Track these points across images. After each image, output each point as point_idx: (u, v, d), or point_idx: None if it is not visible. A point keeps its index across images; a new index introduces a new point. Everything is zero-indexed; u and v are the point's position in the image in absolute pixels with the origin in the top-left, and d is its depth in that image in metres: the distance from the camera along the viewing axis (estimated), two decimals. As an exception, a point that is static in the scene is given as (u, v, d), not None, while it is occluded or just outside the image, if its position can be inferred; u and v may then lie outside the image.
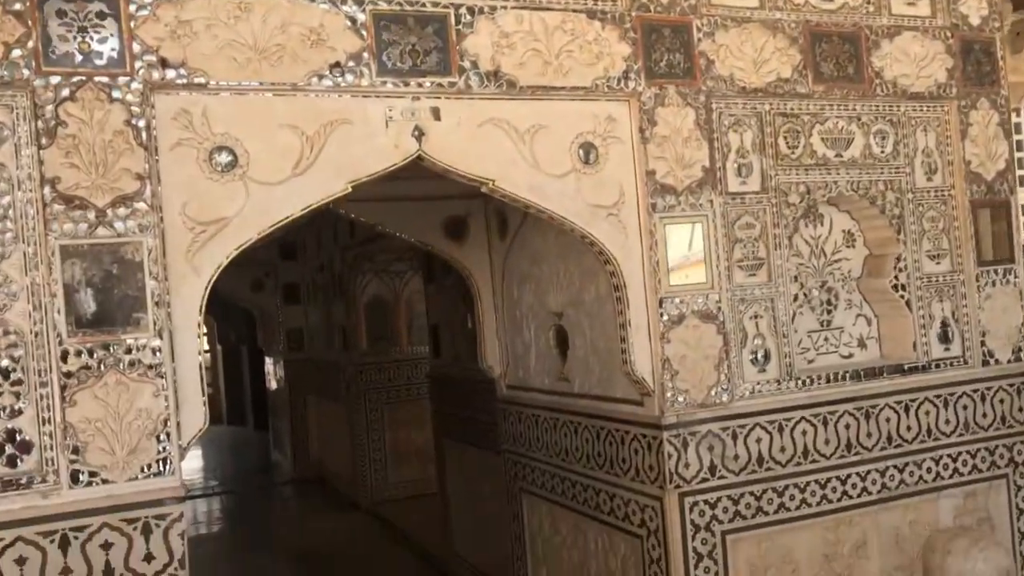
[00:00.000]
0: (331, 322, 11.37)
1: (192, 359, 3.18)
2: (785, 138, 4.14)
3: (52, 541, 2.93)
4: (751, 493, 3.96)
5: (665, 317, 3.85)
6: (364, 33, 3.38)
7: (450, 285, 7.19)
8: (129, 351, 3.03)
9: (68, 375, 2.96)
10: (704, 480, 3.87)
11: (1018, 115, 8.68)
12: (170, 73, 3.11)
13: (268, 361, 14.17)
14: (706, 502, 3.87)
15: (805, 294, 4.26)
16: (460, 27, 3.53)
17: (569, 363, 4.55)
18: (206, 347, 22.00)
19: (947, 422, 4.33)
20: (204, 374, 3.21)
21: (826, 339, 4.33)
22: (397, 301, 10.83)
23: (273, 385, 13.99)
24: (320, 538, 9.32)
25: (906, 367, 4.30)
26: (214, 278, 3.25)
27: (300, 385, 12.70)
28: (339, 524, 9.87)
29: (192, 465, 15.01)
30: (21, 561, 2.87)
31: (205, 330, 21.65)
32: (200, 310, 3.21)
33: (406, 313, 10.85)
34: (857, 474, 4.14)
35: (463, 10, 3.53)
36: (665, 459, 3.81)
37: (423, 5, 3.47)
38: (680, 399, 3.86)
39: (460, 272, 5.34)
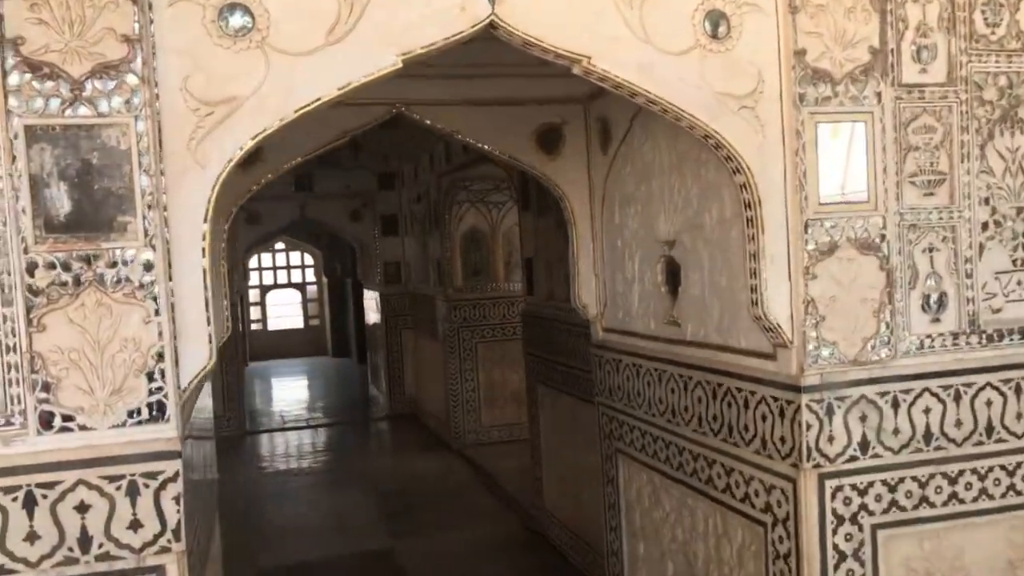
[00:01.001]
0: (427, 255, 10.81)
1: (195, 278, 2.51)
2: (983, 12, 3.09)
3: (14, 499, 2.34)
4: (914, 479, 3.05)
5: (811, 246, 2.94)
6: None
7: (546, 213, 6.40)
8: (113, 264, 2.37)
9: (35, 292, 2.33)
10: (852, 459, 2.99)
11: None
12: (165, -97, 2.38)
13: (367, 294, 13.83)
14: (853, 487, 2.99)
15: (996, 222, 3.23)
16: None
17: (680, 304, 3.70)
18: (312, 279, 22.07)
19: None
20: (211, 299, 2.53)
21: (1020, 283, 3.30)
22: (494, 233, 10.12)
23: (371, 319, 13.65)
24: (407, 478, 8.88)
25: None
26: (224, 175, 2.55)
27: (396, 320, 12.27)
28: (428, 465, 9.41)
29: (294, 396, 14.97)
30: (-25, 520, 2.30)
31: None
32: (206, 216, 2.52)
33: (504, 246, 10.15)
34: (1058, 460, 3.16)
35: None
36: (802, 430, 2.94)
37: None
38: (826, 353, 2.97)
39: (552, 192, 4.51)
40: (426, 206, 10.73)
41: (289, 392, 15.68)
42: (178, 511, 2.43)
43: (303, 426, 12.33)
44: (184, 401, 2.52)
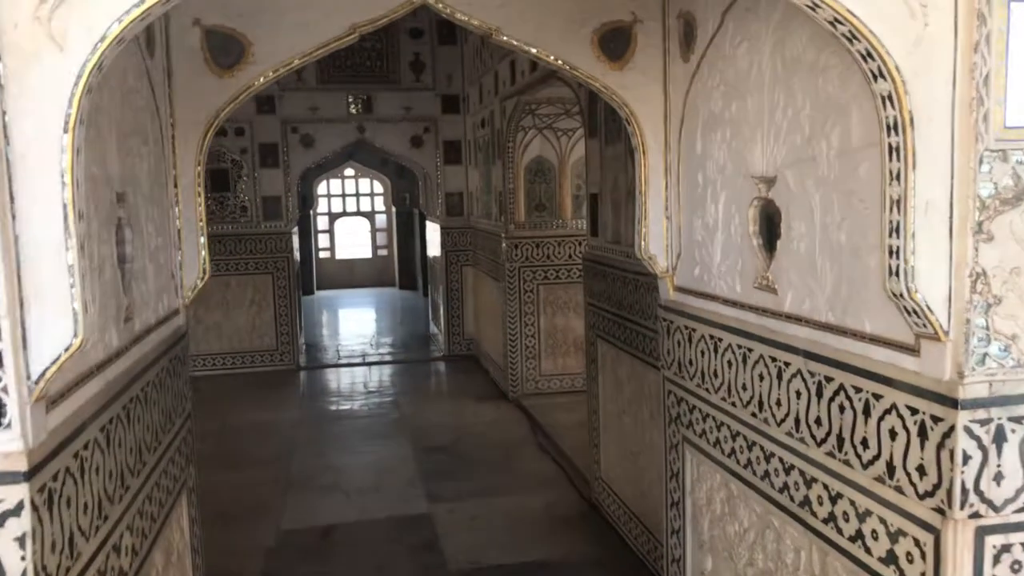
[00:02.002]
0: (490, 187, 9.92)
1: (52, 215, 1.69)
2: None
3: None
4: (1120, 538, 2.08)
5: (987, 190, 1.95)
6: None
7: (616, 141, 5.42)
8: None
9: None
10: (1030, 509, 2.04)
11: None
12: None
13: (429, 226, 13.08)
14: (1028, 548, 2.05)
15: None
16: None
17: (779, 263, 2.74)
18: (381, 207, 21.49)
19: None
20: (81, 250, 1.72)
21: None
22: (562, 164, 9.14)
23: (433, 252, 12.92)
24: (457, 430, 8.18)
25: None
26: (96, 63, 1.70)
27: (457, 255, 11.49)
28: (481, 415, 8.70)
29: (354, 330, 14.48)
30: None
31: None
32: (69, 123, 1.69)
33: (572, 179, 9.18)
34: None
35: None
36: (956, 461, 2.00)
37: None
38: (998, 352, 2.00)
39: (618, 111, 3.54)
40: (489, 132, 9.81)
41: (351, 325, 15.19)
42: (24, 556, 1.66)
43: (358, 363, 11.78)
44: (39, 397, 1.73)
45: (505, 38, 3.38)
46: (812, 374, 2.54)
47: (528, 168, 9.18)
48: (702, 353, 3.30)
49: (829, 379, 2.46)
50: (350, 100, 11.27)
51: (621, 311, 5.41)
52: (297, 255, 12.03)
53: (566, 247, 9.13)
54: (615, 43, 3.43)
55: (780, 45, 2.63)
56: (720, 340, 3.13)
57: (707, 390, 3.26)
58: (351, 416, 9.02)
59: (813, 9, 1.97)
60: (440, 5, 3.31)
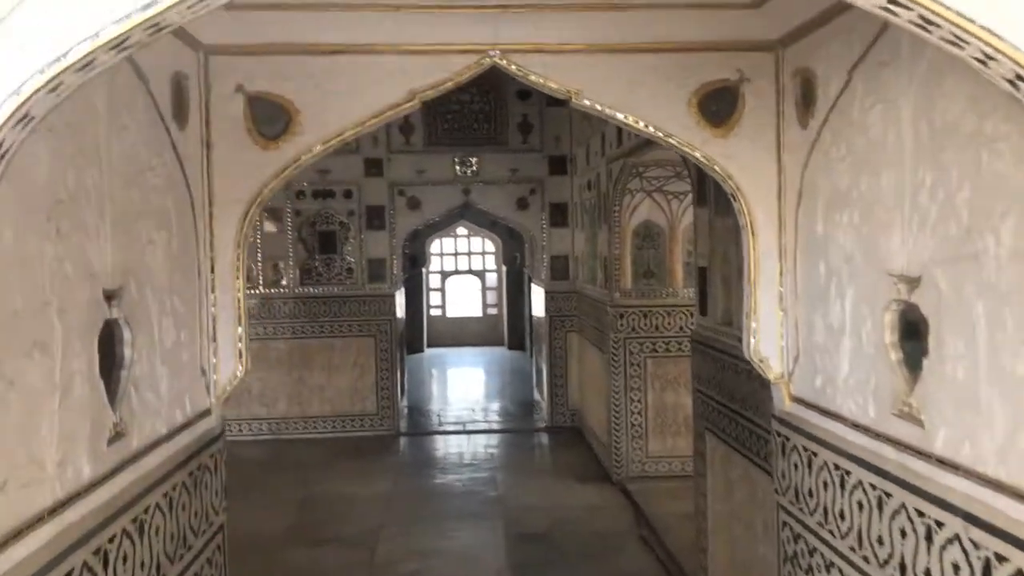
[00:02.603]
0: (596, 251, 9.41)
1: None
2: None
3: None
4: None
5: None
6: None
7: (727, 211, 4.83)
8: None
9: None
10: None
11: None
12: None
13: (534, 288, 12.65)
14: None
15: None
16: None
17: (925, 387, 2.11)
18: (492, 266, 21.38)
19: None
20: None
21: None
22: (672, 230, 8.54)
23: (537, 315, 12.47)
24: (554, 516, 7.57)
25: None
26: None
27: (562, 320, 10.98)
28: (581, 499, 8.06)
29: (458, 393, 14.16)
30: None
31: (492, 249, 20.92)
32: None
33: (683, 245, 8.55)
34: None
35: None
36: None
37: None
38: None
39: (722, 185, 3.00)
40: (595, 195, 9.34)
41: (456, 386, 14.87)
42: None
43: (459, 431, 11.37)
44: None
45: (587, 102, 2.91)
46: (976, 546, 1.88)
47: (636, 232, 8.63)
48: (825, 485, 2.65)
49: (1003, 559, 1.80)
50: (456, 162, 11.09)
51: (732, 404, 4.75)
52: (402, 315, 11.83)
53: (676, 318, 8.46)
54: (718, 106, 2.90)
55: (927, 108, 2.05)
56: (848, 474, 2.49)
57: (831, 533, 2.61)
58: (445, 493, 8.56)
59: (984, 63, 1.40)
60: (512, 67, 2.88)
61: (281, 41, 2.81)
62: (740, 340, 4.49)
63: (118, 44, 1.25)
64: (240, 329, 2.88)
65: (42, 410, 1.69)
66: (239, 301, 2.88)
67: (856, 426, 2.46)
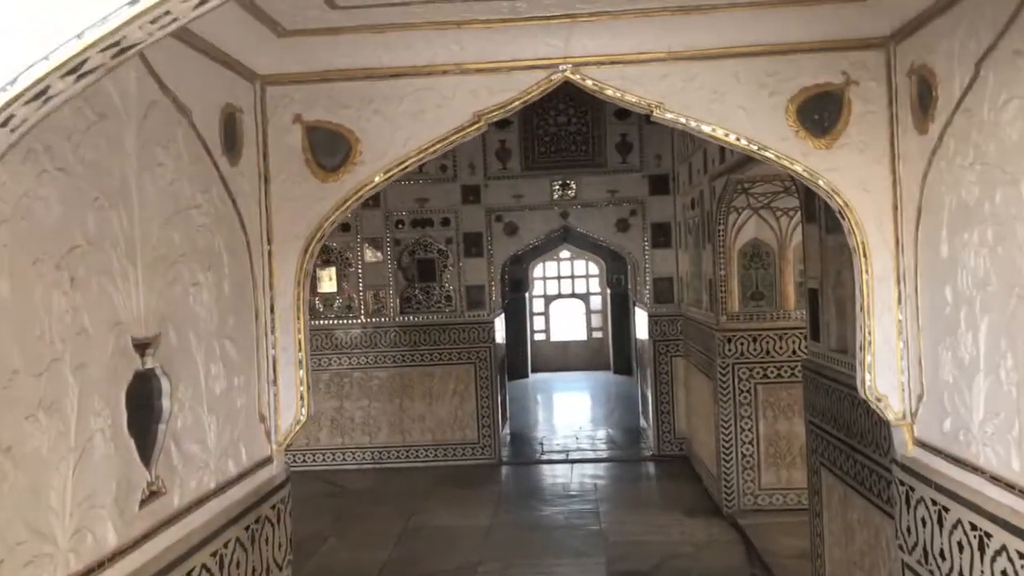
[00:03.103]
0: (701, 272, 9.00)
1: None
2: None
3: None
4: None
5: None
6: None
7: (839, 228, 4.41)
8: None
9: None
10: None
11: None
12: None
13: (637, 312, 12.27)
14: None
15: None
16: None
17: (1087, 442, 1.71)
18: (596, 289, 21.09)
19: None
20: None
21: None
22: (782, 248, 8.05)
23: (641, 340, 12.06)
24: (658, 554, 7.17)
25: None
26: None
27: (667, 345, 10.56)
28: (688, 534, 7.62)
29: (562, 419, 13.88)
30: None
31: (596, 271, 20.63)
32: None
33: (795, 264, 8.04)
34: None
35: None
36: None
37: None
38: None
39: (828, 201, 2.65)
40: (699, 214, 8.95)
41: (560, 413, 14.58)
42: None
43: (562, 460, 11.08)
44: None
45: (670, 116, 2.63)
46: None
47: (742, 252, 8.19)
48: (960, 547, 2.26)
49: None
50: (554, 186, 10.90)
51: (850, 438, 4.31)
52: (502, 341, 11.67)
53: (788, 341, 7.95)
54: (821, 113, 2.57)
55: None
56: (989, 537, 2.10)
57: (970, 607, 2.21)
58: (547, 526, 8.27)
59: None
60: (587, 81, 2.63)
61: (338, 67, 2.66)
62: (855, 368, 4.07)
63: (75, 69, 1.08)
64: (302, 372, 2.71)
65: (50, 477, 1.54)
66: (301, 342, 2.72)
67: (996, 480, 2.07)
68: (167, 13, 1.08)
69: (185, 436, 2.09)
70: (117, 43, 1.08)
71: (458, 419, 10.97)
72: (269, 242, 2.67)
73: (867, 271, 2.57)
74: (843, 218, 2.61)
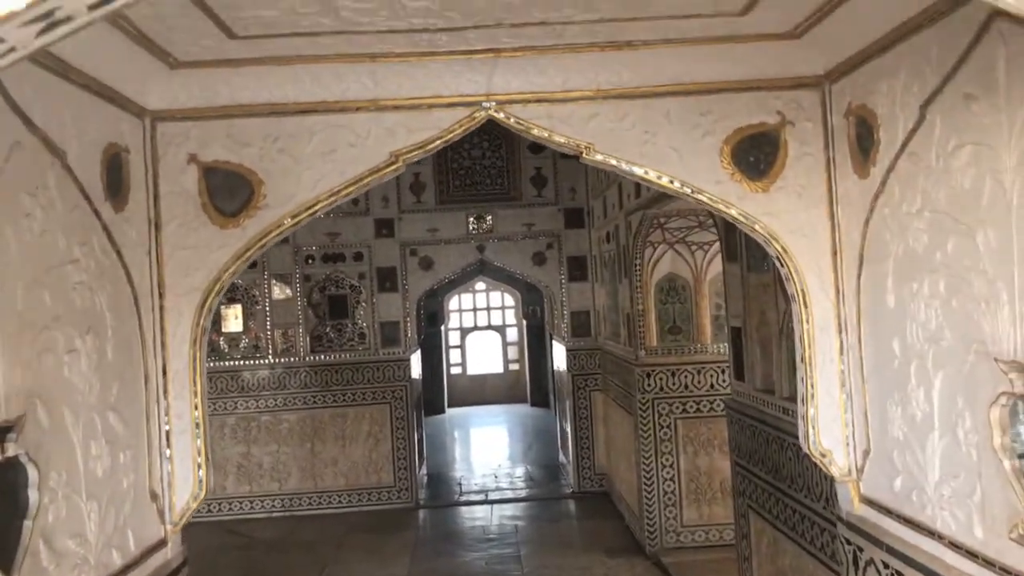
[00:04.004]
0: (618, 306, 8.94)
1: None
2: None
3: None
4: None
5: None
6: None
7: (760, 267, 4.36)
8: None
9: None
10: None
11: None
12: None
13: (555, 345, 12.16)
14: None
15: None
16: None
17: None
18: (512, 320, 20.95)
19: None
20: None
21: None
22: (698, 283, 8.06)
23: (559, 374, 11.95)
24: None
25: None
26: None
27: (585, 380, 10.45)
28: (610, 573, 7.46)
29: (479, 457, 13.60)
30: None
31: (512, 303, 20.51)
32: None
33: (711, 298, 8.06)
34: None
35: None
36: None
37: None
38: None
39: (765, 247, 2.53)
40: (615, 248, 8.91)
41: (478, 450, 14.30)
42: None
43: (481, 500, 10.80)
44: None
45: (600, 157, 2.47)
46: None
47: (659, 287, 8.16)
48: (914, 616, 2.13)
49: None
50: (470, 219, 10.74)
51: (780, 483, 4.22)
52: (418, 377, 11.37)
53: (707, 375, 7.94)
54: (757, 155, 2.46)
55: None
56: (947, 608, 1.97)
57: None
58: (466, 574, 7.98)
59: None
60: (511, 120, 2.45)
61: (239, 102, 2.40)
62: (787, 412, 3.99)
63: None
64: (199, 441, 2.42)
65: None
66: (198, 406, 2.42)
67: (956, 546, 1.95)
68: (1, 41, 0.84)
69: (58, 531, 1.79)
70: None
71: (373, 461, 10.59)
72: (161, 296, 2.37)
73: (807, 320, 2.46)
74: (781, 264, 2.50)
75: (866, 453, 2.38)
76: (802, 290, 2.46)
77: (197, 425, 2.42)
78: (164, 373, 2.39)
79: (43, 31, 0.87)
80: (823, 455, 2.46)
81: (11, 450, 1.64)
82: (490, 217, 10.81)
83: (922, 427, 2.07)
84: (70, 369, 1.89)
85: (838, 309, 2.44)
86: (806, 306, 2.46)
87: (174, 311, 2.40)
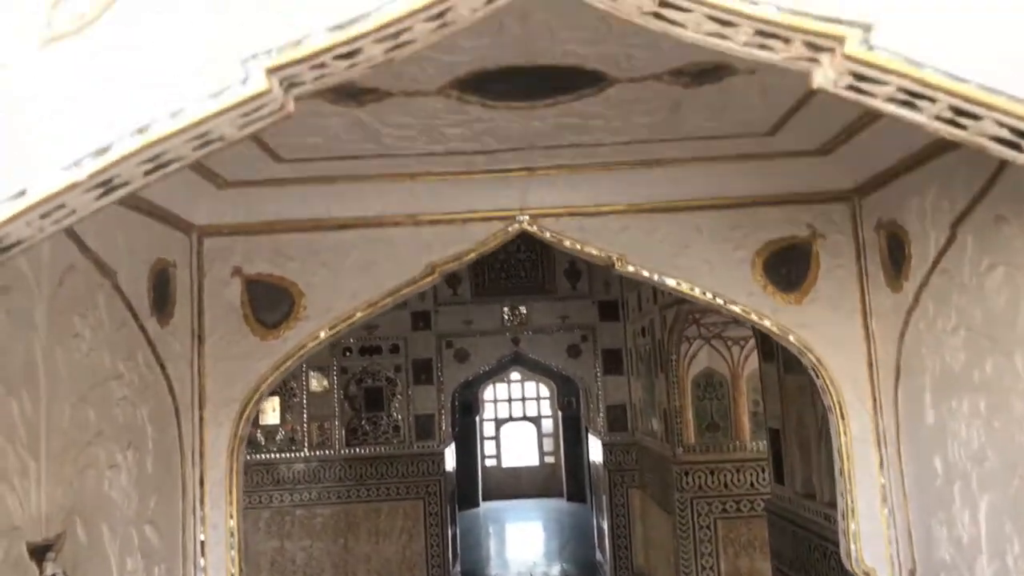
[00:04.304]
0: (654, 401, 8.84)
1: None
2: None
3: None
4: None
5: None
6: None
7: (798, 367, 4.32)
8: None
9: None
10: None
11: None
12: None
13: (591, 440, 12.00)
14: None
15: None
16: None
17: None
18: (548, 411, 20.75)
19: None
20: None
21: None
22: (735, 378, 7.96)
23: (596, 468, 11.75)
24: None
25: None
26: None
27: (622, 475, 10.26)
28: None
29: (514, 555, 13.32)
30: None
31: (547, 394, 20.38)
32: None
33: (749, 394, 7.94)
34: None
35: None
36: None
37: None
38: None
39: (800, 358, 2.52)
40: (650, 342, 8.86)
41: (512, 546, 14.01)
42: None
43: (515, 602, 10.51)
44: None
45: (632, 268, 2.51)
46: None
47: (696, 382, 8.08)
48: None
49: None
50: (505, 311, 10.80)
51: (823, 593, 4.07)
52: (453, 467, 11.25)
53: (747, 474, 7.76)
54: (788, 267, 2.47)
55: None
56: None
57: None
58: None
59: None
60: (545, 233, 2.51)
61: (283, 218, 2.50)
62: (826, 517, 3.88)
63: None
64: (234, 552, 2.42)
65: None
66: (233, 515, 2.44)
67: None
68: (61, 207, 0.90)
69: (89, 650, 1.79)
70: (-4, 243, 0.90)
71: (406, 559, 10.41)
72: (201, 407, 2.42)
73: (845, 432, 2.43)
74: (817, 376, 2.48)
75: (912, 573, 2.31)
76: (838, 401, 2.44)
77: (232, 534, 2.43)
78: (201, 483, 2.41)
79: (102, 196, 0.94)
80: (867, 574, 2.39)
81: (49, 569, 1.66)
82: (525, 309, 10.87)
83: (970, 550, 2.01)
84: (110, 484, 1.92)
85: (876, 422, 2.40)
86: (843, 418, 2.43)
87: (213, 421, 2.44)
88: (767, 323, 2.46)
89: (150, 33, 0.88)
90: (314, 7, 0.86)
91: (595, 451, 11.76)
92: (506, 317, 10.89)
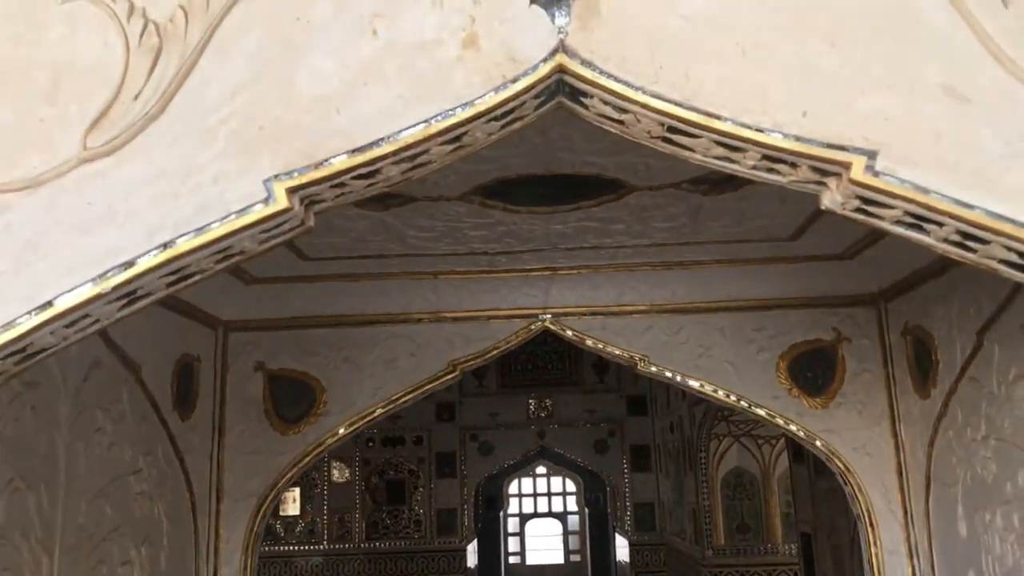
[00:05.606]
0: (683, 499, 8.63)
1: None
2: None
3: None
4: None
5: None
6: None
7: (830, 471, 4.21)
8: None
9: None
10: None
11: None
12: None
13: (618, 538, 11.70)
14: None
15: None
16: None
17: None
18: (574, 507, 20.29)
19: None
20: None
21: None
22: (766, 478, 7.77)
23: (623, 568, 11.41)
24: None
25: None
26: None
27: (650, 577, 9.95)
28: None
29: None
30: None
31: (573, 489, 19.99)
32: None
33: (781, 495, 7.73)
34: None
35: None
36: None
37: None
38: None
39: (827, 464, 2.46)
40: (679, 438, 8.72)
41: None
42: None
43: None
44: None
45: (655, 369, 2.50)
46: None
47: (726, 481, 7.89)
48: None
49: None
50: (531, 403, 10.72)
51: None
52: (474, 566, 10.97)
53: (780, 579, 7.49)
54: (814, 370, 2.45)
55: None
56: None
57: None
58: None
59: None
60: (567, 332, 2.51)
61: (308, 314, 2.53)
62: (862, 631, 3.71)
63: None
64: (246, 655, 2.37)
65: None
66: (247, 615, 2.39)
67: None
68: (86, 316, 0.93)
69: None
70: (22, 350, 0.93)
71: (425, 674, 10.07)
72: (218, 500, 2.41)
73: (875, 543, 2.35)
74: (845, 483, 2.42)
75: None
76: (867, 509, 2.37)
77: (244, 636, 2.38)
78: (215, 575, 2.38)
79: (124, 306, 0.97)
80: None
81: (54, 672, 1.63)
82: (551, 402, 10.78)
83: (1008, 674, 1.91)
84: (125, 582, 1.90)
85: (908, 532, 2.33)
86: (872, 526, 2.35)
87: (230, 516, 2.42)
88: (793, 427, 2.42)
89: (176, 154, 0.92)
90: (335, 131, 0.90)
91: (622, 550, 11.46)
92: (532, 409, 10.80)
